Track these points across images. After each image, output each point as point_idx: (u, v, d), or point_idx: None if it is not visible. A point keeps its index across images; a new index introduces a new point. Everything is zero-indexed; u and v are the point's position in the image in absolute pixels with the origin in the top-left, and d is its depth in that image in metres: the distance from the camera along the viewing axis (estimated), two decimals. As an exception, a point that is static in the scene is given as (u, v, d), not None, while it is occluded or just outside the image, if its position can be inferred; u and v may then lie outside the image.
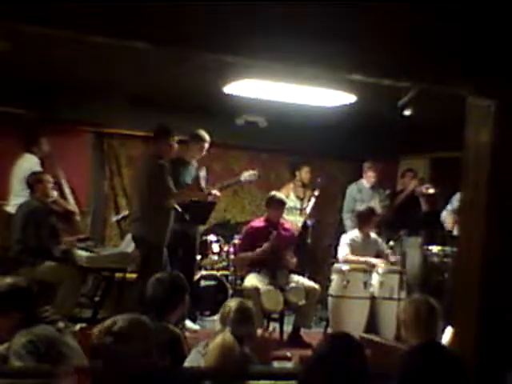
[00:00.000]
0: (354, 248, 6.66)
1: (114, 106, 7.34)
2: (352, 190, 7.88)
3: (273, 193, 6.60)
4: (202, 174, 6.62)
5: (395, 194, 7.98)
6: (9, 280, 3.04)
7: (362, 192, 7.81)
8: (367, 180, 7.83)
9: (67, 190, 6.85)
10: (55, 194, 6.51)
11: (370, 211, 6.85)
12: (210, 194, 6.30)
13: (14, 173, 6.53)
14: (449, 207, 6.96)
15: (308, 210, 7.69)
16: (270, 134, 8.08)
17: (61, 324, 3.05)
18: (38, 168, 6.42)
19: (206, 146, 6.40)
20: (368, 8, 2.80)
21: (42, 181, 5.98)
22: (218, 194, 6.30)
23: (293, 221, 7.52)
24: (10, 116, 6.95)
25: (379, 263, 6.50)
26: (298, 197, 7.91)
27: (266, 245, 6.22)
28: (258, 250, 6.24)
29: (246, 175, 6.66)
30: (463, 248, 3.34)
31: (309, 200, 7.74)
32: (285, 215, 7.46)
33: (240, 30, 2.61)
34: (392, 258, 6.70)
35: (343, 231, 7.28)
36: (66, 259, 5.89)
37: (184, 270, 4.89)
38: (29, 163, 6.50)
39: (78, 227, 6.88)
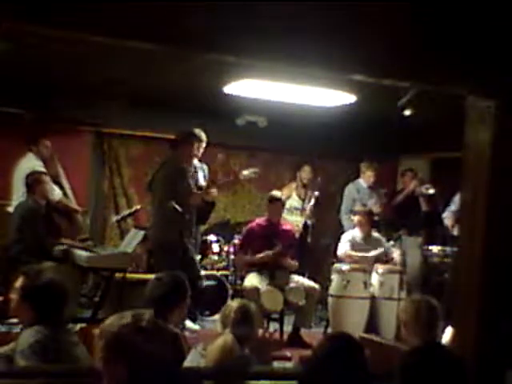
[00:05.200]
0: (355, 247, 6.66)
1: (114, 106, 7.34)
2: (350, 190, 7.86)
3: (274, 193, 6.62)
4: (204, 172, 6.64)
5: (394, 193, 7.99)
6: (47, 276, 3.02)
7: (360, 192, 7.81)
8: (365, 180, 7.82)
9: (69, 190, 6.86)
10: (60, 192, 6.52)
11: (368, 211, 6.85)
12: (207, 192, 6.32)
13: (16, 173, 6.54)
14: (452, 207, 6.95)
15: (308, 210, 7.70)
16: (270, 134, 8.09)
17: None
18: (40, 168, 6.42)
19: (203, 145, 6.39)
20: (368, 8, 2.79)
21: (41, 181, 5.99)
22: (215, 192, 6.30)
23: (294, 221, 7.53)
24: (10, 116, 6.95)
25: (376, 254, 6.51)
26: (299, 197, 7.92)
27: (268, 253, 6.22)
28: (260, 255, 6.24)
29: (246, 173, 6.66)
30: (463, 248, 3.34)
31: (309, 200, 7.75)
32: (286, 215, 7.48)
33: (240, 30, 2.61)
34: (395, 256, 6.71)
35: (342, 231, 7.29)
36: (66, 259, 5.89)
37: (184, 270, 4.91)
38: (30, 163, 6.51)
39: (81, 226, 6.89)
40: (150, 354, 1.98)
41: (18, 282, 2.99)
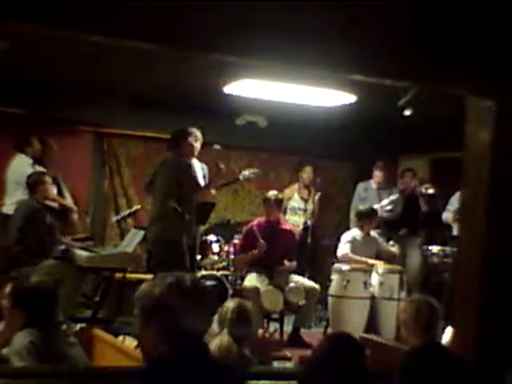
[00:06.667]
0: (355, 247, 6.67)
1: (114, 106, 7.34)
2: (359, 188, 7.98)
3: (268, 193, 6.60)
4: (204, 171, 6.63)
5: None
6: (34, 279, 3.00)
7: (368, 191, 7.87)
8: (373, 180, 7.88)
9: (65, 189, 6.86)
10: (55, 191, 6.52)
11: (371, 211, 6.86)
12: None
13: (7, 173, 6.56)
14: (450, 207, 6.96)
15: (309, 212, 7.69)
16: (270, 134, 8.09)
17: (65, 325, 3.05)
18: (30, 168, 6.42)
19: (199, 144, 6.36)
20: (368, 8, 2.80)
21: (42, 182, 6.00)
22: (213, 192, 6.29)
23: (296, 221, 7.53)
24: (9, 116, 6.95)
25: (378, 264, 6.50)
26: (302, 198, 7.92)
27: (261, 242, 6.21)
28: (254, 250, 6.25)
29: (246, 173, 6.65)
30: (463, 248, 3.34)
31: (313, 201, 7.76)
32: (288, 216, 7.49)
33: (240, 30, 2.61)
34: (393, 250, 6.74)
35: (345, 230, 7.29)
36: (66, 259, 5.89)
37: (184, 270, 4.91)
38: (20, 163, 6.51)
39: (76, 225, 6.88)
40: (185, 313, 1.95)
41: (8, 287, 2.98)
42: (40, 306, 2.91)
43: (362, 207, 7.09)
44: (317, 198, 7.71)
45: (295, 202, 7.88)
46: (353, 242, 6.70)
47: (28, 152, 6.65)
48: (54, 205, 6.48)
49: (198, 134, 6.18)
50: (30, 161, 6.58)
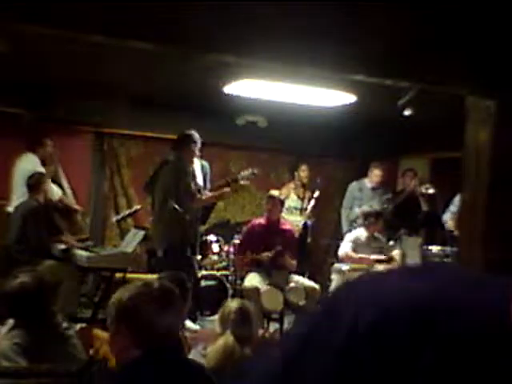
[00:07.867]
0: (357, 246, 6.66)
1: (114, 106, 7.34)
2: (353, 187, 7.90)
3: (271, 191, 6.62)
4: (205, 170, 6.64)
5: (395, 194, 7.99)
6: (18, 281, 2.95)
7: (362, 191, 7.82)
8: (370, 180, 7.83)
9: (68, 190, 6.86)
10: (60, 192, 6.53)
11: (378, 213, 6.87)
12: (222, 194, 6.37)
13: (15, 174, 6.53)
14: (452, 208, 6.95)
15: (308, 211, 7.70)
16: (270, 134, 8.09)
17: (65, 324, 3.04)
18: (40, 168, 6.42)
19: (198, 146, 6.37)
20: (368, 8, 2.80)
21: (43, 182, 6.01)
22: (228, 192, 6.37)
23: (293, 221, 7.52)
24: (10, 116, 6.95)
25: (378, 258, 6.51)
26: (298, 196, 7.92)
27: (268, 254, 6.22)
28: (260, 255, 6.25)
29: (245, 173, 6.65)
30: (463, 248, 3.35)
31: (309, 200, 7.75)
32: (285, 215, 7.47)
33: (240, 30, 2.61)
34: (394, 254, 6.73)
35: (341, 230, 7.29)
36: (66, 259, 5.89)
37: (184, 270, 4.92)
38: (30, 164, 6.50)
39: (80, 226, 6.88)
40: (155, 316, 1.97)
41: None
42: (24, 307, 2.86)
43: (367, 208, 7.09)
44: (314, 198, 7.70)
45: (292, 201, 7.88)
46: (356, 241, 6.69)
47: (39, 152, 6.64)
48: (60, 206, 6.48)
49: (198, 137, 6.21)
50: (39, 161, 6.58)
